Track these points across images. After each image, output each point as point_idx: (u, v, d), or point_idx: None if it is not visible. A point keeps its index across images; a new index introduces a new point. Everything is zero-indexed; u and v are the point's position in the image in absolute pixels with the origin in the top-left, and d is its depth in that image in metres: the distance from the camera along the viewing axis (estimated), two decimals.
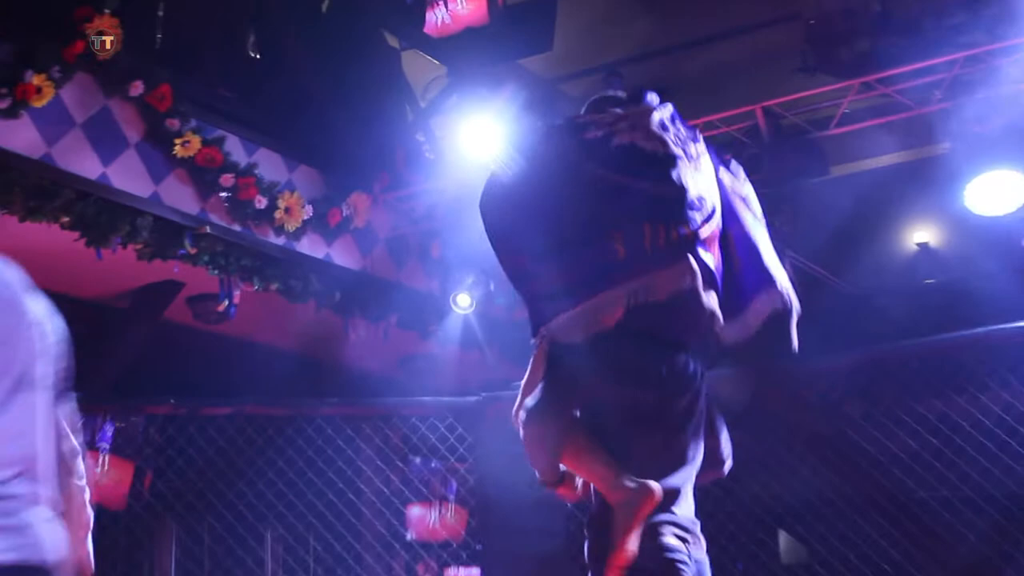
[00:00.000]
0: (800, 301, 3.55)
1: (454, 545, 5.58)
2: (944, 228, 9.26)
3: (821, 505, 6.02)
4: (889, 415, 5.00)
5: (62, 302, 5.03)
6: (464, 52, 7.09)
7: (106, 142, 6.19)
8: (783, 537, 6.83)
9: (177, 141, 6.31)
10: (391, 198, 6.85)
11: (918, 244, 9.34)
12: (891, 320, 7.52)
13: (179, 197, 6.53)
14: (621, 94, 3.55)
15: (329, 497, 5.72)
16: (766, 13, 7.96)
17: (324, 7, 7.37)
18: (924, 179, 8.18)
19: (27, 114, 5.71)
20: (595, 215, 3.19)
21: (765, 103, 6.27)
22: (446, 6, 6.61)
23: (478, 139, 6.04)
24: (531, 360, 3.07)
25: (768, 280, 3.29)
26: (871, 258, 8.98)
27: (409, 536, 5.79)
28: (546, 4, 7.09)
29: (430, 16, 6.64)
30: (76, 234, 5.99)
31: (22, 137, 5.77)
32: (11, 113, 5.57)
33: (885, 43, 6.91)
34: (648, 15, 8.02)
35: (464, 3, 6.54)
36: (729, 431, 3.29)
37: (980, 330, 4.51)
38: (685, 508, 2.95)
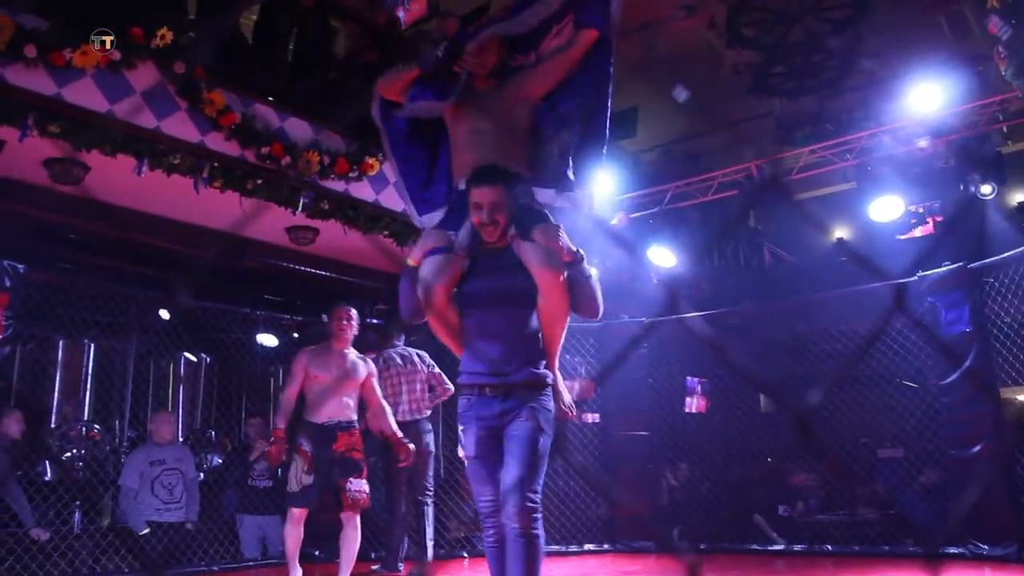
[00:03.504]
0: None
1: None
2: None
3: None
4: None
5: (380, 274, 9.33)
6: None
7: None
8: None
9: None
10: None
11: None
12: None
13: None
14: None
15: None
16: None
17: None
18: None
19: (366, 179, 7.39)
20: None
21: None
22: None
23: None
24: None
25: None
26: None
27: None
28: (632, 112, 9.11)
29: None
30: (391, 241, 7.63)
31: (364, 191, 7.42)
32: (358, 179, 7.26)
33: None
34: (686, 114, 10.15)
35: None
36: None
37: None
38: None
